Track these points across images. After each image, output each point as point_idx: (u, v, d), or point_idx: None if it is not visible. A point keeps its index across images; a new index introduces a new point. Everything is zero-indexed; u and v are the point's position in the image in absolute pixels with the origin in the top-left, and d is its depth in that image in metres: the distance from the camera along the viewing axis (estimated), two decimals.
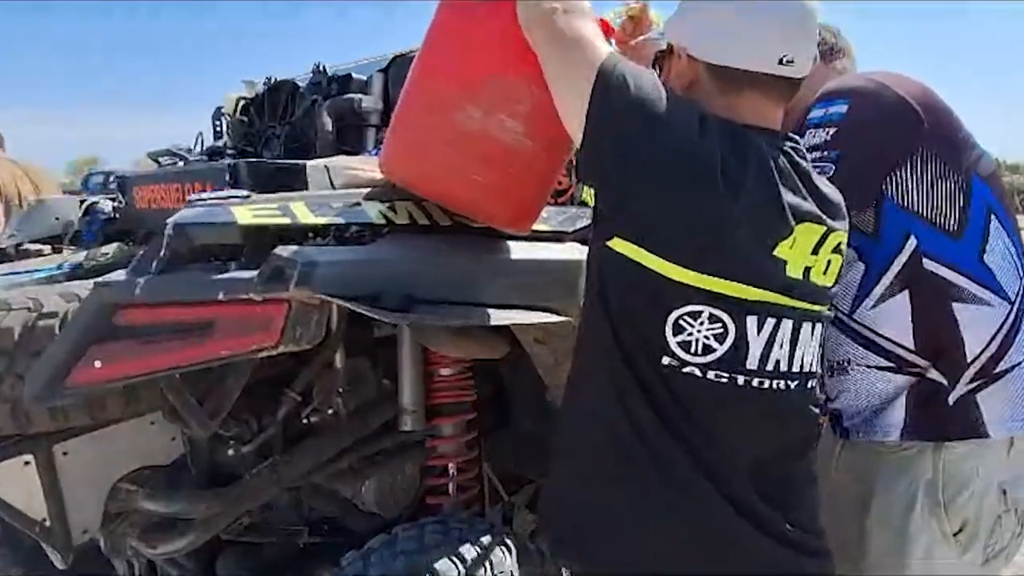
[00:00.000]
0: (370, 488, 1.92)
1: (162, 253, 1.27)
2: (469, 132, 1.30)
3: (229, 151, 2.26)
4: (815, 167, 1.34)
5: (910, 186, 1.34)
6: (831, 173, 1.33)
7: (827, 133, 1.36)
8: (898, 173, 1.34)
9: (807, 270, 1.06)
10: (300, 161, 1.55)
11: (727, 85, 1.08)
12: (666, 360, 1.02)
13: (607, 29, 1.37)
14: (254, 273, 1.23)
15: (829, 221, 1.08)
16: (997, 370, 1.36)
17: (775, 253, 1.02)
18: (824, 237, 1.07)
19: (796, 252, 1.03)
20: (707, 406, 1.03)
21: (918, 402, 1.37)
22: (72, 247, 2.06)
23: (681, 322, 1.00)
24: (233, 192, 1.39)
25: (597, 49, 1.06)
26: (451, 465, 1.82)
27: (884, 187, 1.35)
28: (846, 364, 1.43)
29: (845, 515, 1.46)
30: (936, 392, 1.36)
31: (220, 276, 1.25)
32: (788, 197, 1.02)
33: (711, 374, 1.02)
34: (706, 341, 1.01)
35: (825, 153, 1.35)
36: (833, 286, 1.13)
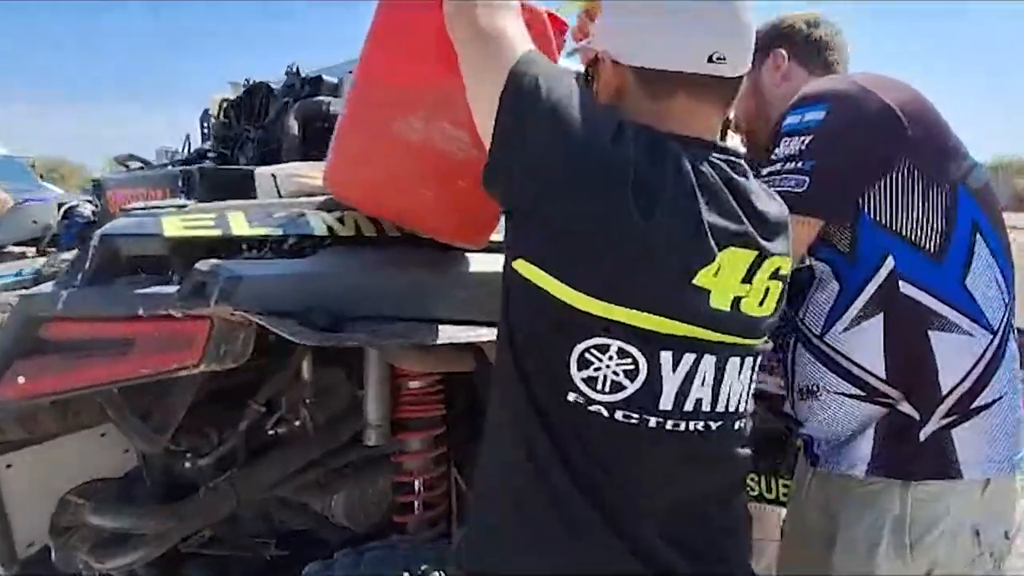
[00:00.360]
0: (339, 502, 1.86)
1: (87, 265, 1.23)
2: (410, 143, 1.22)
3: (210, 154, 2.23)
4: (787, 179, 1.24)
5: (890, 201, 1.22)
6: (805, 187, 1.22)
7: (802, 142, 1.24)
8: (877, 186, 1.22)
9: (737, 300, 0.94)
10: (250, 167, 1.49)
11: (656, 90, 0.97)
12: (572, 396, 0.92)
13: (559, 25, 1.27)
14: (176, 288, 1.18)
15: (764, 245, 0.96)
16: (974, 405, 1.23)
17: (695, 281, 0.90)
18: (758, 263, 0.95)
19: (722, 280, 0.92)
20: (613, 448, 0.93)
21: (887, 436, 1.26)
22: (53, 250, 2.05)
23: (588, 355, 0.90)
24: (171, 201, 1.34)
25: (514, 48, 0.96)
26: (417, 482, 1.75)
27: (861, 202, 1.23)
28: (815, 389, 1.32)
29: (813, 544, 1.37)
30: (907, 427, 1.24)
31: (141, 291, 1.19)
32: (712, 218, 0.91)
33: (619, 414, 0.91)
34: (615, 378, 0.90)
35: (799, 164, 1.23)
36: (772, 316, 1.01)
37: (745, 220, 0.94)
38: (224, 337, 1.20)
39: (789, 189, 1.22)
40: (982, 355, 1.24)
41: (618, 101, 0.99)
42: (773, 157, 1.28)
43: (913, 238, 1.22)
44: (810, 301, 1.32)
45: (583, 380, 0.91)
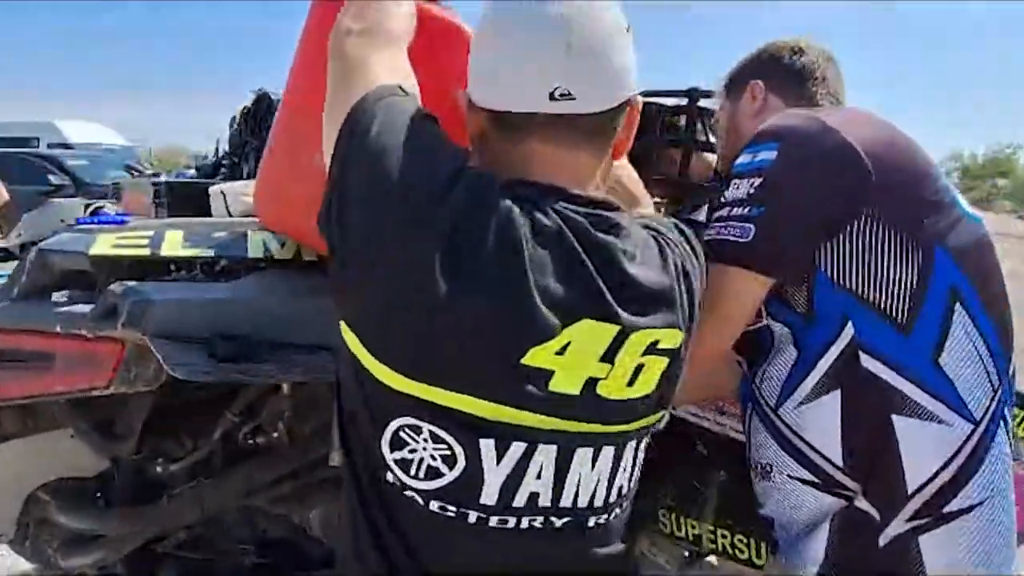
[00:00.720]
0: (317, 516, 1.85)
1: (23, 279, 1.26)
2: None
3: (224, 161, 2.27)
4: (731, 226, 1.09)
5: (849, 258, 1.05)
6: (750, 236, 1.07)
7: (751, 185, 1.08)
8: (835, 240, 1.05)
9: (592, 382, 0.80)
10: (208, 183, 1.49)
11: (509, 135, 0.85)
12: (389, 477, 0.82)
13: None
14: (91, 308, 1.19)
15: (628, 317, 0.80)
16: (949, 509, 1.03)
17: (526, 361, 0.77)
18: (621, 338, 0.80)
19: (571, 360, 0.78)
20: (429, 541, 0.82)
21: (841, 535, 1.08)
22: None
23: (401, 435, 0.80)
24: (116, 216, 1.35)
25: (371, 83, 0.86)
26: None
27: (817, 256, 1.07)
28: (769, 469, 1.15)
29: None
30: (864, 526, 1.06)
31: (61, 309, 1.21)
32: (553, 285, 0.77)
33: (435, 504, 0.80)
34: (432, 463, 0.79)
35: (748, 210, 1.08)
36: (656, 393, 0.86)
37: (604, 288, 0.80)
38: (136, 361, 1.20)
39: (733, 238, 1.07)
40: (959, 449, 1.04)
41: (484, 147, 0.89)
42: (721, 200, 1.13)
43: (876, 303, 1.04)
44: (767, 368, 1.16)
45: (395, 462, 0.80)
